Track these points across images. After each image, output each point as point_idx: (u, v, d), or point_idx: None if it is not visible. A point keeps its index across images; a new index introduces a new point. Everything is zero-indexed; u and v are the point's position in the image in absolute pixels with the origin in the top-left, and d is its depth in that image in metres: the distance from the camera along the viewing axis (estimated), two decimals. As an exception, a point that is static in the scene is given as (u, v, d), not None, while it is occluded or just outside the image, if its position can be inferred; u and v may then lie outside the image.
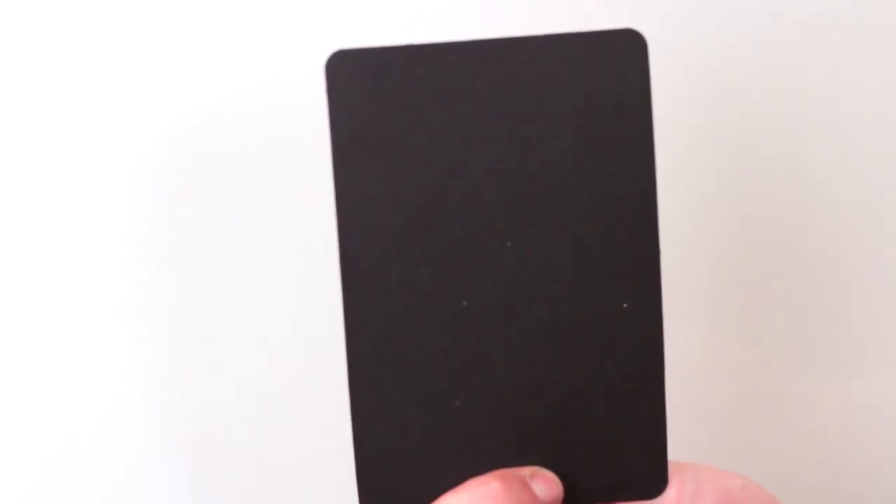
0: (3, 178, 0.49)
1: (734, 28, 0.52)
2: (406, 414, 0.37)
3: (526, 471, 0.38)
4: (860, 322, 0.56)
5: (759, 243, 0.55)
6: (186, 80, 0.49)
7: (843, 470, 0.58)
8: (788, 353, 0.56)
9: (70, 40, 0.48)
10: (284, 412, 0.52)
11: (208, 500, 0.52)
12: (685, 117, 0.53)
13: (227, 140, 0.50)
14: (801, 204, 0.55)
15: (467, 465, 0.38)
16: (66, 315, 0.50)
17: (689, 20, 0.52)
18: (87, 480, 0.51)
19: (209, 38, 0.49)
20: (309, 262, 0.51)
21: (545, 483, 0.38)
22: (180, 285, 0.51)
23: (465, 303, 0.37)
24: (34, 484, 0.50)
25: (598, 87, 0.35)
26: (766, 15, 0.52)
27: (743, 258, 0.55)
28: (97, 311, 0.50)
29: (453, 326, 0.37)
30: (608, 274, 0.36)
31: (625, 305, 0.36)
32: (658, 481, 0.38)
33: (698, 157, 0.53)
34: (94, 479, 0.51)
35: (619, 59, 0.35)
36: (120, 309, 0.50)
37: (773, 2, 0.53)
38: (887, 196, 0.55)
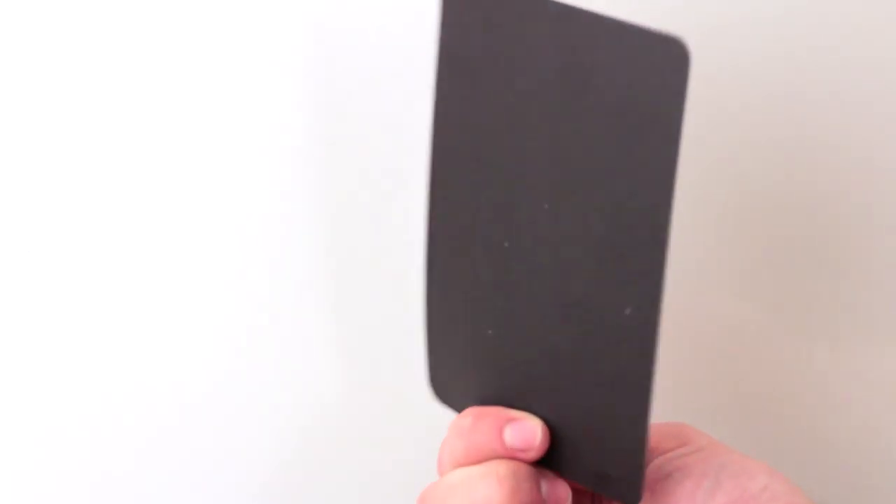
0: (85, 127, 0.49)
1: (746, 21, 0.52)
2: (455, 329, 0.40)
3: (517, 414, 0.38)
4: (885, 289, 0.56)
5: (782, 206, 0.55)
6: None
7: (867, 440, 0.57)
8: (812, 321, 0.56)
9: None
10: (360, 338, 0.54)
11: None
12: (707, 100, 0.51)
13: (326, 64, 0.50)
14: (825, 169, 0.54)
15: (486, 391, 0.39)
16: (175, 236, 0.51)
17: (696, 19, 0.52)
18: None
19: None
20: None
21: (521, 430, 0.37)
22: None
23: (506, 244, 0.38)
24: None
25: (636, 85, 0.34)
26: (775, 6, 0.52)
27: (766, 226, 0.55)
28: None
29: (494, 260, 0.38)
30: (618, 276, 0.35)
31: (627, 312, 0.35)
32: (634, 491, 0.37)
33: (724, 127, 0.53)
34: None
35: (661, 64, 0.33)
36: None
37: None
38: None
